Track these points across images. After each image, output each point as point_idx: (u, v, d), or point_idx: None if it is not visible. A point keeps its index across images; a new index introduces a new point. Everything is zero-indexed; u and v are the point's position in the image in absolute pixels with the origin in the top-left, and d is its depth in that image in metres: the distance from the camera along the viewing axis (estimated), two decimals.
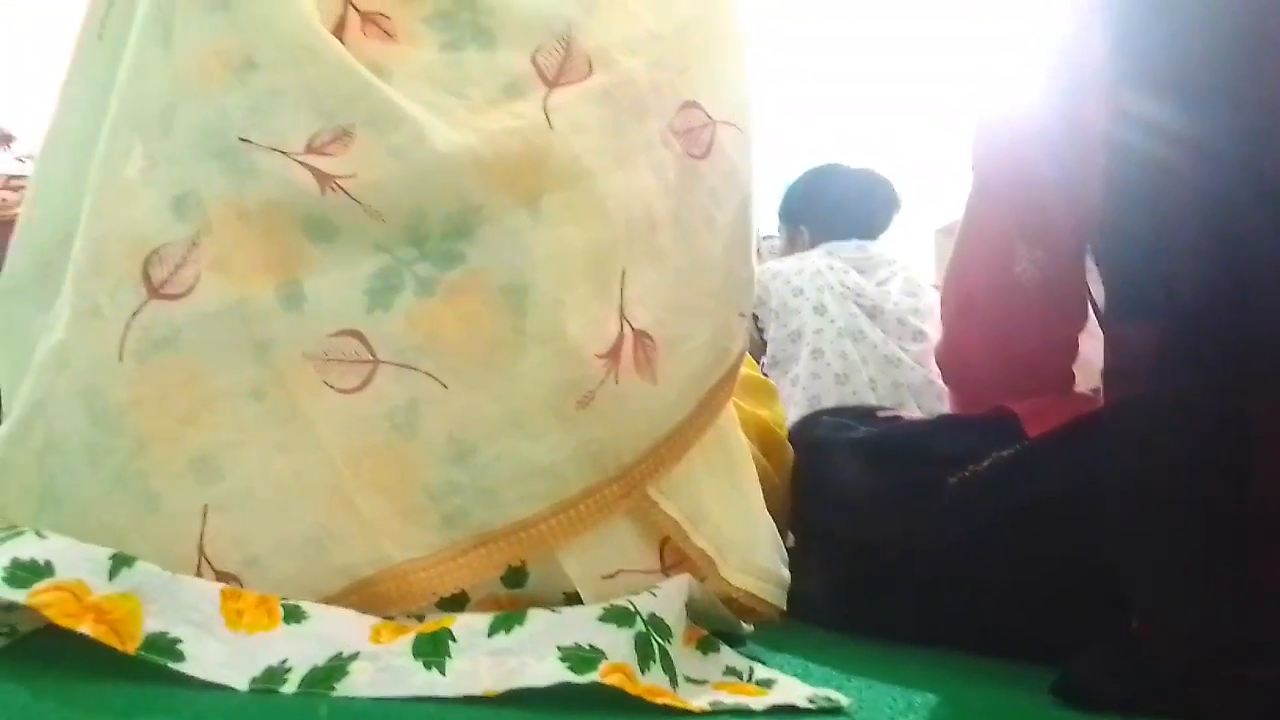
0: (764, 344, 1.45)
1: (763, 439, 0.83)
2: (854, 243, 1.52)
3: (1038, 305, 0.74)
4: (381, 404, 0.55)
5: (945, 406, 1.33)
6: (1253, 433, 0.54)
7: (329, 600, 0.53)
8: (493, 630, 0.50)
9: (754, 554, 0.64)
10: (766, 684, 0.53)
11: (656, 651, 0.50)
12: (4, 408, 0.62)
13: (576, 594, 0.57)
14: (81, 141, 0.62)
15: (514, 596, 0.57)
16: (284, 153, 0.55)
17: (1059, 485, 0.68)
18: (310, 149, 0.56)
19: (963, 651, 0.69)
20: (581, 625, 0.51)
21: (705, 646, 0.58)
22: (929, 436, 0.80)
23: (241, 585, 0.52)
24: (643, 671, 0.49)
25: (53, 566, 0.47)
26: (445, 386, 0.56)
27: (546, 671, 0.47)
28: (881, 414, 0.91)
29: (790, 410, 1.09)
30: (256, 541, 0.53)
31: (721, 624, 0.62)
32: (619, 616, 0.52)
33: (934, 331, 1.41)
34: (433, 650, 0.48)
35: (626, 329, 0.59)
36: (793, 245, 1.63)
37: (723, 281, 0.66)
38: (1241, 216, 0.55)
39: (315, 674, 0.46)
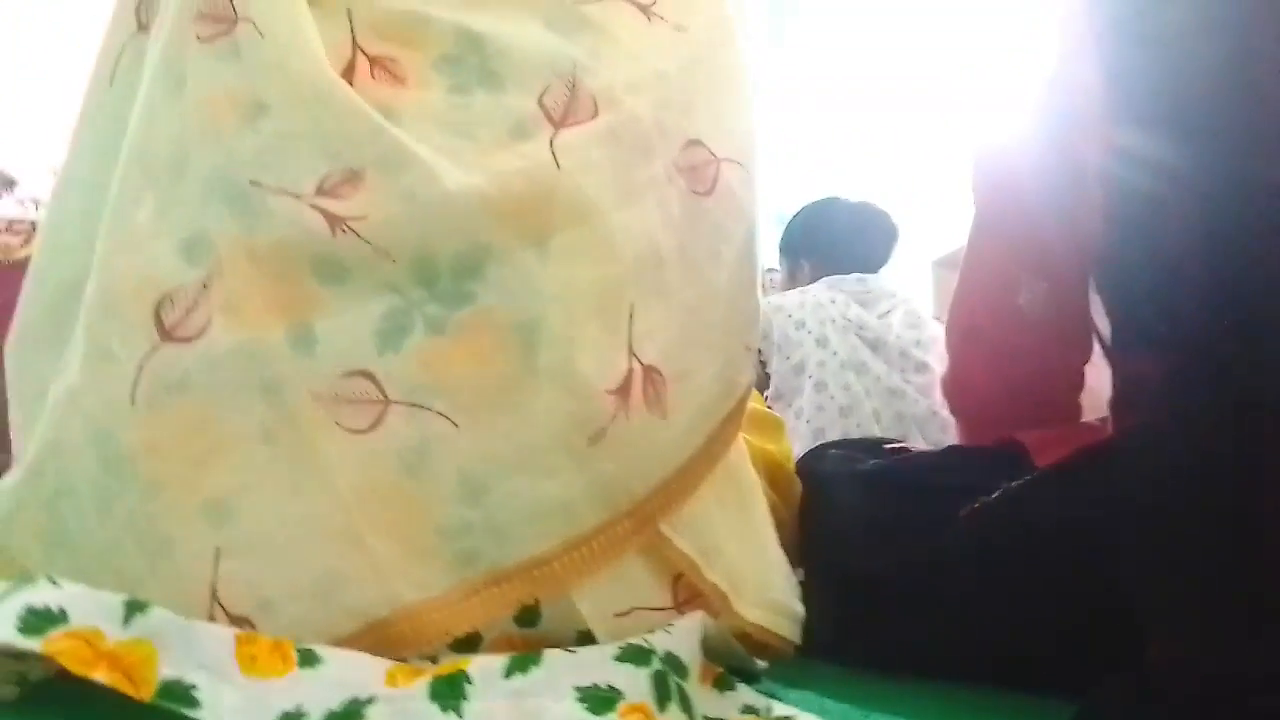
0: (767, 377, 1.45)
1: (771, 473, 0.83)
2: (855, 276, 1.53)
3: (1042, 336, 0.75)
4: (392, 444, 0.55)
5: (949, 437, 1.33)
6: (1264, 461, 0.54)
7: (342, 642, 0.52)
8: (509, 671, 0.49)
9: (768, 589, 0.64)
10: None
11: (674, 690, 0.50)
12: (16, 452, 0.63)
13: (590, 632, 0.57)
14: (92, 188, 0.63)
15: (527, 636, 0.57)
16: (295, 195, 0.56)
17: (1069, 515, 0.67)
18: (321, 191, 0.56)
19: (979, 685, 0.68)
20: (598, 665, 0.50)
21: (721, 684, 0.57)
22: (937, 468, 0.79)
23: (255, 628, 0.51)
24: (661, 710, 0.48)
25: (66, 614, 0.46)
26: (456, 425, 0.56)
27: (565, 713, 0.46)
28: (888, 446, 0.91)
29: (794, 443, 1.09)
30: (269, 584, 0.53)
31: (736, 660, 0.61)
32: (635, 655, 0.51)
33: (936, 363, 1.41)
34: (449, 693, 0.48)
35: (636, 365, 0.59)
36: (794, 279, 1.65)
37: (729, 316, 0.67)
38: (1241, 248, 0.56)
39: (331, 719, 0.46)
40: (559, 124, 0.61)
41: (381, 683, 0.48)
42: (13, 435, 0.64)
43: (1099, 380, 0.77)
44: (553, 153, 0.60)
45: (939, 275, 3.20)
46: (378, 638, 0.53)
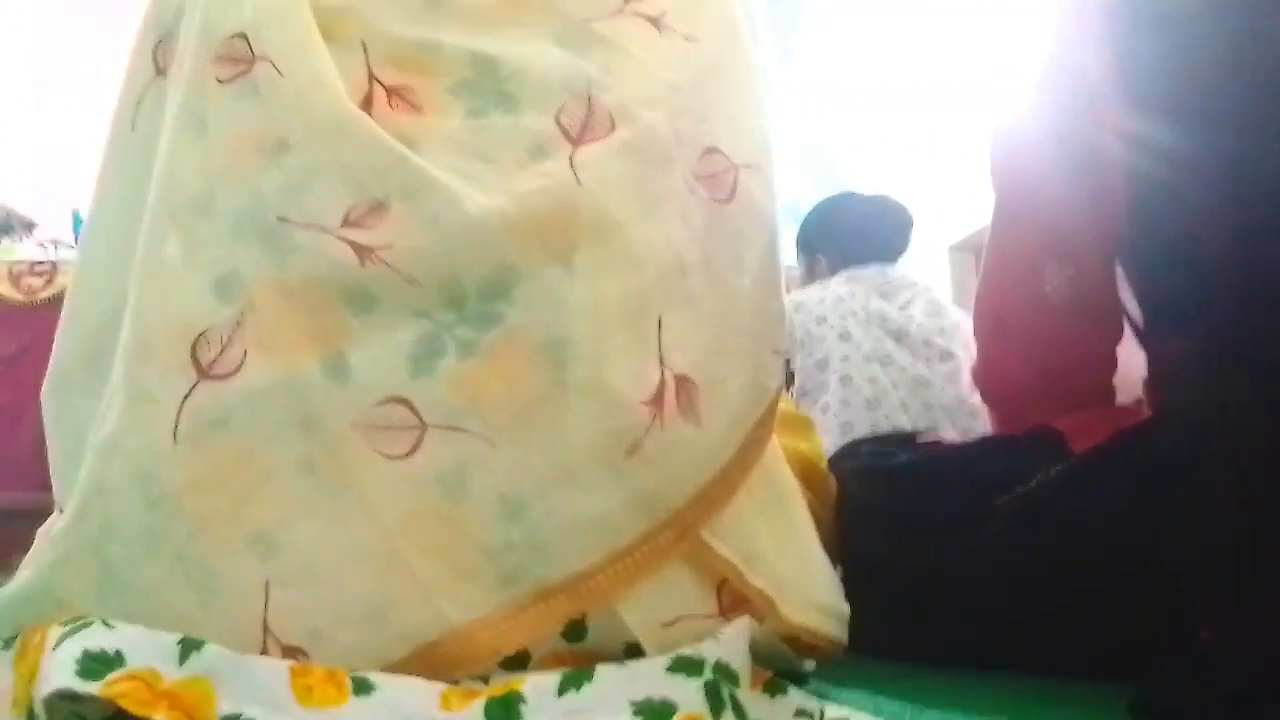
0: (791, 375, 1.45)
1: (804, 473, 0.83)
2: (874, 267, 1.52)
3: (1071, 321, 0.74)
4: (431, 468, 0.56)
5: (978, 424, 1.32)
6: None
7: (394, 667, 0.53)
8: (562, 689, 0.50)
9: (812, 590, 0.64)
10: None
11: (727, 699, 0.50)
12: (57, 495, 0.63)
13: (637, 644, 0.57)
14: (120, 231, 0.64)
15: (575, 651, 0.57)
16: (322, 228, 0.57)
17: (1111, 500, 0.67)
18: (347, 223, 0.57)
19: (1029, 674, 0.68)
20: (650, 678, 0.50)
21: (772, 689, 0.57)
22: (973, 459, 0.79)
23: (308, 658, 0.52)
24: None
25: (123, 656, 0.47)
26: (493, 445, 0.56)
27: None
28: (921, 439, 0.91)
29: (823, 439, 1.09)
30: (318, 614, 0.53)
31: (785, 664, 0.61)
32: (686, 666, 0.51)
33: (961, 351, 1.41)
34: (504, 714, 0.48)
35: (667, 375, 0.59)
36: (812, 274, 1.64)
37: (756, 320, 0.67)
38: (1263, 227, 0.55)
39: None
40: (577, 141, 0.61)
41: (436, 707, 0.49)
42: (53, 479, 0.65)
43: (1130, 361, 0.76)
44: (573, 170, 0.60)
45: (955, 260, 3.18)
46: (428, 661, 0.53)
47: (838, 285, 1.50)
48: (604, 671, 0.51)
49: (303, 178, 0.58)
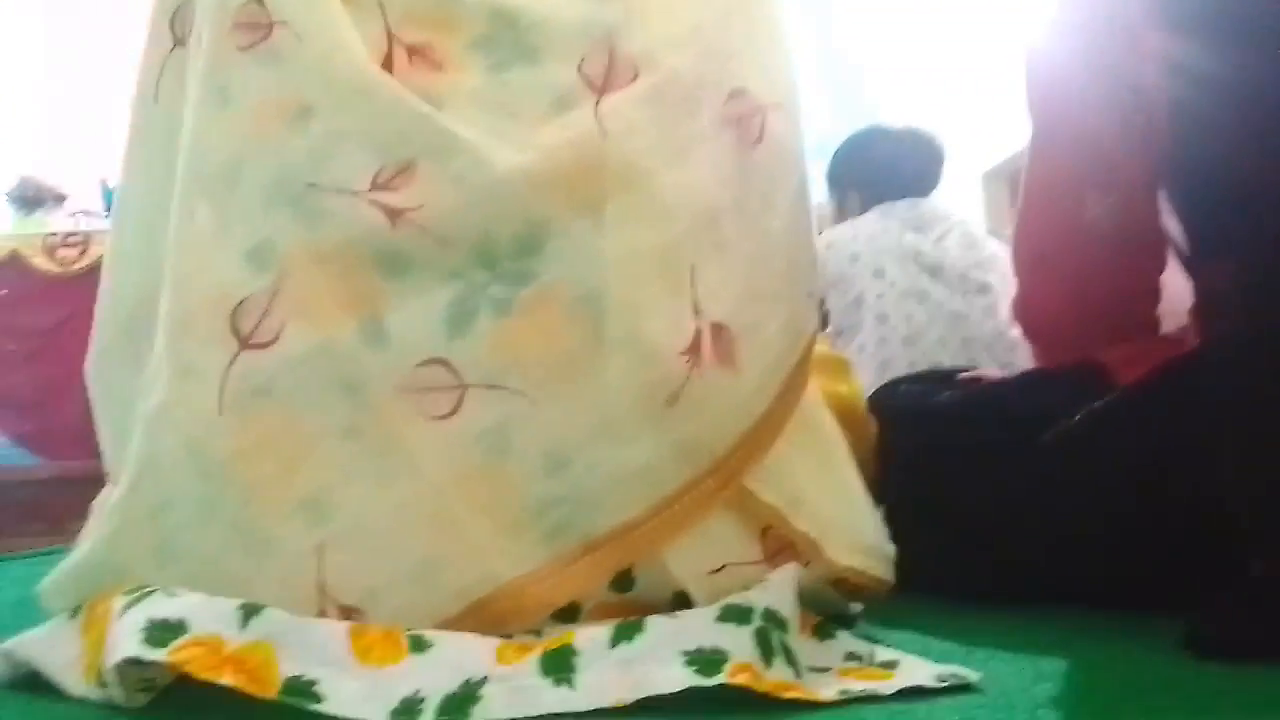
0: (825, 315, 1.43)
1: (843, 414, 0.82)
2: (906, 201, 1.49)
3: (1114, 251, 0.72)
4: (473, 426, 0.56)
5: (1018, 358, 1.30)
6: None
7: (447, 624, 0.54)
8: (615, 640, 0.50)
9: (857, 531, 0.64)
10: (890, 666, 0.53)
11: (777, 646, 0.51)
12: (109, 468, 0.65)
13: (685, 593, 0.58)
14: (150, 205, 0.64)
15: (624, 601, 0.58)
16: (352, 192, 0.56)
17: (1159, 432, 0.66)
18: (376, 186, 0.57)
19: (1077, 607, 0.68)
20: (701, 627, 0.51)
21: (822, 633, 0.58)
22: (1015, 395, 0.78)
23: (365, 617, 0.53)
24: (767, 667, 0.49)
25: (186, 623, 0.48)
26: (533, 402, 0.56)
27: (674, 677, 0.47)
28: (960, 376, 0.90)
29: (860, 378, 1.08)
30: (373, 573, 0.54)
31: (833, 607, 0.62)
32: (736, 614, 0.52)
33: (998, 283, 1.38)
34: (560, 666, 0.49)
35: (703, 324, 0.59)
36: (842, 212, 1.61)
37: (789, 264, 0.66)
38: None
39: (450, 702, 0.47)
40: (600, 91, 0.60)
41: (493, 661, 0.50)
42: (103, 451, 0.66)
43: (1176, 290, 0.75)
44: (597, 120, 0.59)
45: (990, 187, 3.12)
46: (481, 616, 0.54)
47: (869, 222, 1.47)
48: (655, 622, 0.52)
49: (329, 143, 0.57)
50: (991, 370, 1.07)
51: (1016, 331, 1.29)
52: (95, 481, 0.67)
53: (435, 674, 0.49)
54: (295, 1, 0.60)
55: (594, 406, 0.57)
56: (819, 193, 1.69)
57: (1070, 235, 0.74)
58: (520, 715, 0.46)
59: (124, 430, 0.61)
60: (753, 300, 0.63)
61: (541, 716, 0.47)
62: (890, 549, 0.66)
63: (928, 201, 1.51)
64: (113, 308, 0.66)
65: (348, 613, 0.53)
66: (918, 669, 0.52)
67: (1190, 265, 0.64)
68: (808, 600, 0.59)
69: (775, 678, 0.48)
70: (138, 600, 0.50)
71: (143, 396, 0.59)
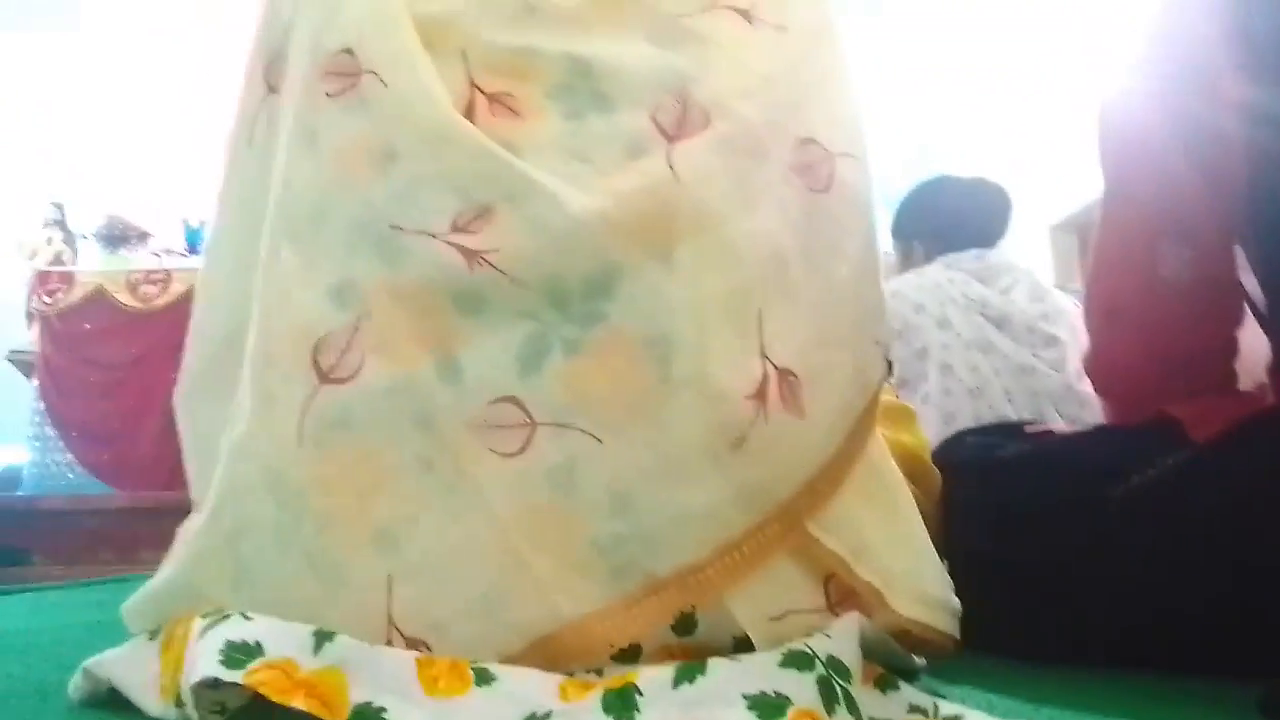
0: (889, 364, 1.42)
1: (908, 465, 0.81)
2: (972, 252, 1.48)
3: (1190, 305, 0.71)
4: (542, 464, 0.57)
5: (1087, 413, 1.28)
6: None
7: (511, 659, 0.54)
8: (677, 681, 0.50)
9: (922, 583, 0.63)
10: None
11: (840, 694, 0.50)
12: (195, 496, 0.67)
13: (746, 638, 0.58)
14: (241, 244, 0.67)
15: (685, 645, 0.58)
16: (432, 234, 0.58)
17: (1235, 490, 0.65)
18: (455, 228, 0.58)
19: (1147, 671, 0.66)
20: (764, 672, 0.51)
21: (884, 684, 0.57)
22: (1086, 449, 0.77)
23: (430, 650, 0.54)
24: (829, 715, 0.49)
25: (262, 646, 0.50)
26: (600, 441, 0.57)
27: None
28: (1030, 429, 0.88)
29: (925, 430, 1.07)
30: (439, 607, 0.55)
31: (895, 659, 0.61)
32: (798, 660, 0.52)
33: (1066, 336, 1.36)
34: (622, 706, 0.49)
35: (769, 368, 0.60)
36: (908, 261, 1.61)
37: (856, 311, 0.67)
38: None
39: None
40: (673, 138, 0.62)
41: (555, 697, 0.50)
42: (189, 480, 0.69)
43: (1253, 345, 0.73)
44: (670, 166, 0.60)
45: (1058, 240, 3.08)
46: (544, 653, 0.55)
47: (935, 271, 1.46)
48: (717, 665, 0.52)
49: (411, 186, 0.60)
50: (1060, 425, 1.06)
51: (1085, 385, 1.27)
52: (163, 512, 0.69)
53: (499, 707, 0.49)
54: (383, 51, 0.63)
55: (659, 447, 0.58)
56: (883, 242, 1.69)
57: (1145, 289, 0.73)
58: None
59: (210, 460, 0.63)
60: (820, 346, 0.63)
61: None
62: (956, 603, 0.65)
63: (994, 252, 1.51)
64: (202, 341, 0.69)
65: (415, 644, 0.54)
66: None
67: (1267, 321, 0.63)
68: (870, 650, 0.59)
69: None
70: (216, 622, 0.52)
71: (228, 427, 0.61)
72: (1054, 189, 2.70)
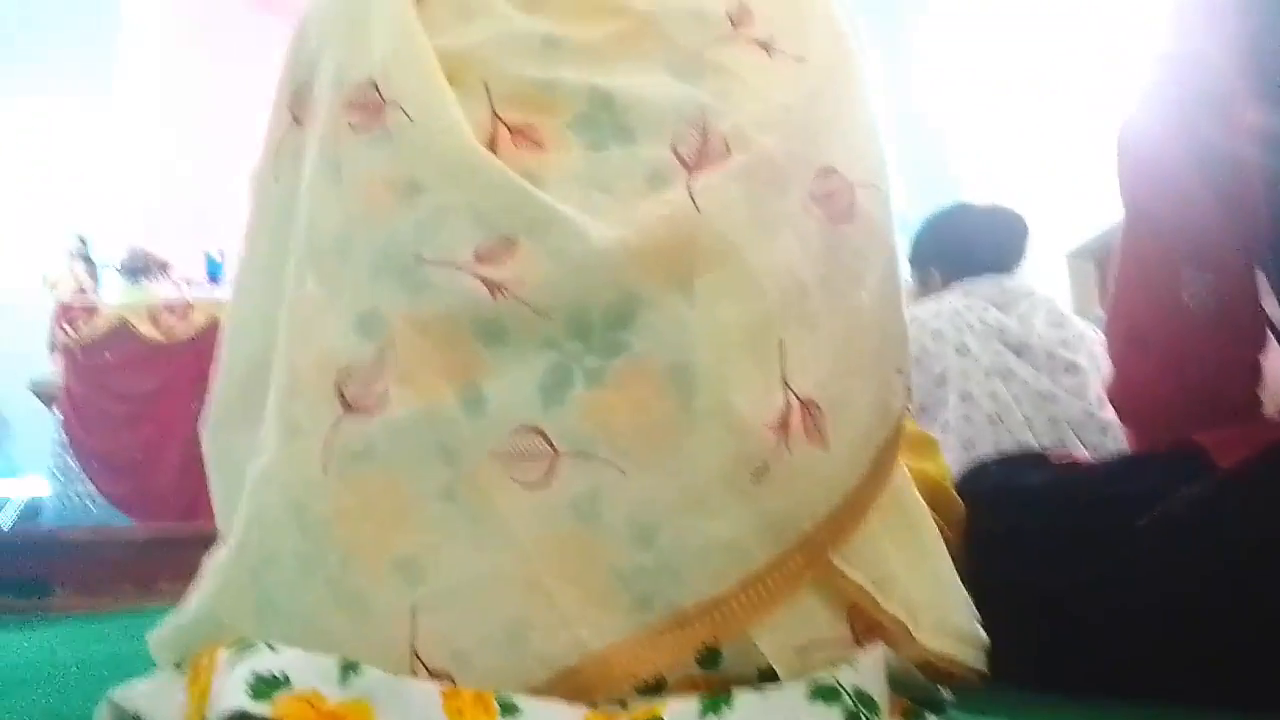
0: (908, 392, 1.42)
1: (930, 494, 0.81)
2: (989, 278, 1.48)
3: (1212, 330, 0.71)
4: (565, 494, 0.57)
5: (1109, 440, 1.27)
6: None
7: (535, 691, 0.54)
8: (704, 712, 0.50)
9: (947, 615, 0.63)
10: None
11: None
12: (221, 527, 0.67)
13: (770, 670, 0.57)
14: (267, 275, 0.68)
15: (709, 677, 0.57)
16: (455, 266, 0.59)
17: (1260, 518, 0.64)
18: (479, 259, 0.59)
19: (1175, 703, 0.65)
20: (790, 704, 0.51)
21: (911, 717, 0.56)
22: (1111, 478, 0.76)
23: (454, 681, 0.54)
24: None
25: (288, 678, 0.50)
26: (623, 472, 0.57)
27: None
28: (1054, 458, 0.88)
29: (944, 456, 1.06)
30: (462, 637, 0.55)
31: (921, 692, 0.60)
32: (826, 693, 0.51)
33: (1086, 362, 1.36)
34: None
35: (791, 398, 0.60)
36: (925, 288, 1.61)
37: (878, 340, 0.67)
38: None
39: None
40: (694, 168, 0.62)
41: None
42: (216, 511, 0.69)
43: (1275, 370, 0.73)
44: (691, 197, 0.61)
45: (1075, 268, 3.07)
46: (568, 684, 0.55)
47: (953, 298, 1.46)
48: (743, 697, 0.51)
49: (435, 217, 0.60)
50: (1082, 452, 1.05)
51: (1106, 412, 1.26)
52: (183, 544, 0.69)
53: None
54: (407, 83, 0.64)
55: (682, 478, 0.57)
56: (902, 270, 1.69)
57: (1166, 315, 0.73)
58: None
59: (235, 489, 0.63)
60: (842, 376, 0.63)
61: None
62: (983, 636, 0.64)
63: (1011, 278, 1.50)
64: (229, 373, 0.70)
65: (438, 675, 0.54)
66: None
67: None
68: (896, 683, 0.58)
69: None
70: (242, 653, 0.52)
71: (254, 458, 0.62)
72: (1070, 217, 2.69)
